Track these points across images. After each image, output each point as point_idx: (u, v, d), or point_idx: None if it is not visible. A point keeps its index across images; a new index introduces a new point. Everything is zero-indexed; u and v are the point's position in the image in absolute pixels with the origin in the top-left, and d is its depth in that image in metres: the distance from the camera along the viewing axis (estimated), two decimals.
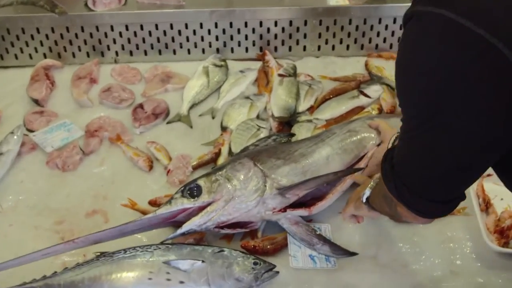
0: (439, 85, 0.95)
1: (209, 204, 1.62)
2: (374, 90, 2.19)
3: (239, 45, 2.43)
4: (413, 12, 1.01)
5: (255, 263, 1.53)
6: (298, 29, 2.39)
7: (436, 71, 0.95)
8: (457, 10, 0.91)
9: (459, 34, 0.91)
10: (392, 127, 1.79)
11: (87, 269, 1.49)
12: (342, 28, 2.39)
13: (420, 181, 1.14)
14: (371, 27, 2.39)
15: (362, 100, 2.16)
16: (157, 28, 2.37)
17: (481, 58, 0.89)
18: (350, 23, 2.38)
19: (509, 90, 0.91)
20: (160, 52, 2.43)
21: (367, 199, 1.48)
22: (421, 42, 0.97)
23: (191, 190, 1.63)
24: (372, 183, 1.46)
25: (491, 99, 0.92)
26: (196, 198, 1.62)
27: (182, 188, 1.65)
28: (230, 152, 1.98)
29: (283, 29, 2.39)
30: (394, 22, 2.37)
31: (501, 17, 0.90)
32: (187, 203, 1.62)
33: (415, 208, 1.19)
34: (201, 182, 1.65)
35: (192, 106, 2.21)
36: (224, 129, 2.08)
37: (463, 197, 1.19)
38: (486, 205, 1.73)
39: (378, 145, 1.80)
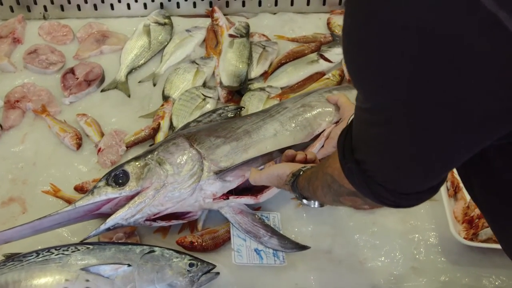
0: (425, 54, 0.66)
1: (137, 194, 1.40)
2: (336, 54, 1.95)
3: None
4: None
5: (191, 265, 1.33)
6: None
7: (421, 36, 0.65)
8: None
9: None
10: (353, 101, 1.57)
11: None
12: None
13: (397, 176, 0.88)
14: None
15: (322, 65, 1.93)
16: None
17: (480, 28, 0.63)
18: None
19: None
20: (95, 7, 2.13)
21: (294, 183, 1.25)
22: None
23: (116, 177, 1.41)
24: (304, 167, 1.25)
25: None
26: (122, 186, 1.40)
27: (106, 175, 1.42)
28: (171, 127, 1.74)
29: None
30: None
31: None
32: (112, 193, 1.40)
33: (395, 205, 0.93)
34: (128, 168, 1.42)
35: (130, 71, 1.95)
36: (165, 98, 1.84)
37: (443, 182, 0.94)
38: (455, 190, 1.54)
39: (337, 122, 1.58)
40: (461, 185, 1.56)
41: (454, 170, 1.58)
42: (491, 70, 0.64)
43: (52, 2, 2.10)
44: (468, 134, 0.74)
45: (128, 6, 2.14)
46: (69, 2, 2.11)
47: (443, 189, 1.52)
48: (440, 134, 0.74)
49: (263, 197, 1.49)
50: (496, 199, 0.96)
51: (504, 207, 0.95)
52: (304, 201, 1.25)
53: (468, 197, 1.53)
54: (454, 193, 1.55)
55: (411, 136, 0.77)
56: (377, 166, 0.88)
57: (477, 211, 1.47)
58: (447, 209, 1.47)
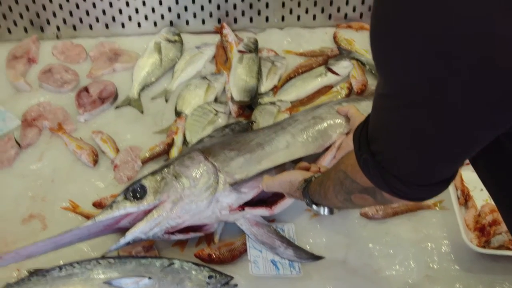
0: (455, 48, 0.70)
1: (155, 207, 1.44)
2: (343, 67, 1.99)
3: (194, 16, 2.20)
4: None
5: (210, 277, 1.36)
6: None
7: (454, 31, 0.69)
8: None
9: None
10: (363, 112, 1.60)
11: None
12: None
13: (413, 165, 0.90)
14: None
15: (330, 78, 1.97)
16: None
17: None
18: None
19: None
20: (107, 26, 2.18)
21: (305, 188, 1.29)
22: None
23: (134, 191, 1.44)
24: (316, 174, 1.30)
25: None
26: (140, 200, 1.43)
27: (124, 190, 1.46)
28: (185, 142, 1.78)
29: None
30: None
31: None
32: (130, 207, 1.43)
33: (408, 197, 0.96)
34: (145, 182, 1.46)
35: (143, 88, 1.99)
36: (178, 114, 1.88)
37: (455, 176, 0.96)
38: (465, 198, 1.58)
39: (347, 133, 1.62)
40: (472, 193, 1.60)
41: (464, 179, 1.62)
42: None
43: (65, 22, 2.15)
44: (493, 117, 0.76)
45: (139, 24, 2.19)
46: (81, 22, 2.16)
47: (453, 198, 1.55)
48: (464, 117, 0.76)
49: (277, 209, 1.53)
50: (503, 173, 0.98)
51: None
52: (314, 206, 1.29)
53: (479, 204, 1.57)
54: (465, 202, 1.58)
55: (433, 118, 0.78)
56: (394, 155, 0.90)
57: (488, 219, 1.50)
58: (458, 217, 1.50)
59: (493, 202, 1.07)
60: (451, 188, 1.56)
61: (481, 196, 1.59)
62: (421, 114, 0.79)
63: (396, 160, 0.90)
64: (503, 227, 1.45)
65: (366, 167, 0.96)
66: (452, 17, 0.68)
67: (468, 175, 1.60)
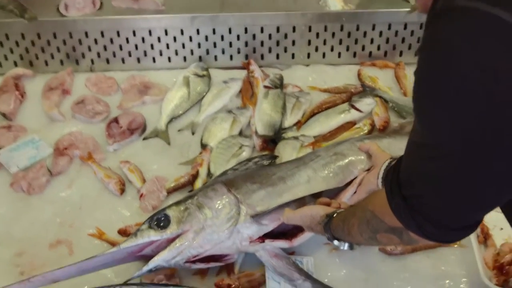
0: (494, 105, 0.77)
1: (178, 236, 1.48)
2: (367, 104, 2.03)
3: (223, 52, 2.28)
4: (451, 7, 0.79)
5: None
6: (286, 35, 2.23)
7: (492, 89, 0.76)
8: None
9: None
10: (384, 150, 1.63)
11: None
12: (333, 34, 2.23)
13: (447, 209, 0.97)
14: (364, 34, 2.22)
15: (354, 115, 2.01)
16: (135, 35, 2.21)
17: None
18: (341, 29, 2.22)
19: None
20: (138, 60, 2.28)
21: (327, 223, 1.33)
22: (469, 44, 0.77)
23: (159, 220, 1.49)
24: (338, 210, 1.33)
25: None
26: (164, 229, 1.48)
27: (149, 218, 1.51)
28: (209, 173, 1.83)
29: (270, 35, 2.23)
30: (389, 28, 2.21)
31: None
32: (154, 235, 1.48)
33: (438, 239, 1.02)
34: (169, 212, 1.51)
35: (170, 120, 2.06)
36: (204, 146, 1.93)
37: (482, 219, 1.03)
38: (485, 237, 1.58)
39: (368, 170, 1.64)
40: (491, 232, 1.60)
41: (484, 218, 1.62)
42: None
43: (98, 56, 2.25)
44: None
45: (169, 59, 2.28)
46: (114, 56, 2.26)
47: (473, 236, 1.55)
48: (499, 170, 0.84)
49: (297, 241, 1.55)
50: None
51: None
52: (335, 242, 1.31)
53: (498, 243, 1.57)
54: (484, 240, 1.58)
55: (466, 169, 0.86)
56: (426, 200, 0.96)
57: (507, 258, 1.50)
58: (477, 255, 1.50)
59: None
60: None
61: (501, 235, 1.59)
62: (455, 165, 0.86)
63: (428, 205, 0.96)
64: None
65: (398, 210, 1.02)
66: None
67: (488, 214, 1.60)
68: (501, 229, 1.60)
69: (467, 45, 0.77)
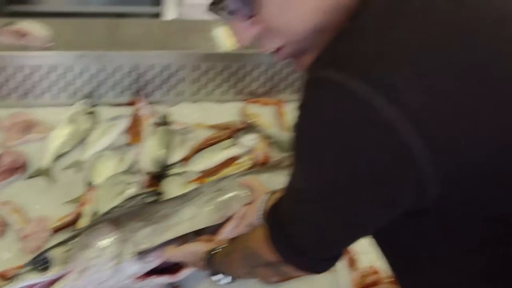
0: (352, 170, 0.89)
1: (61, 277, 1.48)
2: (249, 140, 2.15)
3: (112, 89, 2.31)
4: (320, 78, 0.88)
5: None
6: (175, 73, 2.31)
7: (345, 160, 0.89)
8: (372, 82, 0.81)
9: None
10: (264, 184, 1.74)
11: None
12: (220, 73, 2.34)
13: (323, 245, 1.11)
14: (249, 72, 2.36)
15: (237, 150, 2.11)
16: (21, 71, 2.19)
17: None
18: (228, 68, 2.34)
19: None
20: (23, 96, 2.24)
21: (209, 259, 1.44)
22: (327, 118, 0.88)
23: (41, 262, 1.49)
24: (221, 246, 1.45)
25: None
26: (45, 270, 1.48)
27: (31, 260, 1.50)
28: (95, 212, 1.84)
29: (159, 73, 2.30)
30: (273, 67, 2.37)
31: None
32: (36, 278, 1.47)
33: (314, 270, 1.17)
34: (52, 253, 1.51)
35: (55, 159, 2.05)
36: (89, 185, 1.94)
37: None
38: (351, 261, 1.74)
39: (250, 203, 1.74)
40: (355, 257, 1.76)
41: None
42: None
43: None
44: (387, 213, 0.96)
45: (56, 96, 2.26)
46: None
47: (342, 261, 1.70)
48: (367, 212, 0.96)
49: (181, 275, 1.61)
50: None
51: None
52: (213, 277, 1.41)
53: (363, 266, 1.73)
54: (352, 263, 1.74)
55: (343, 212, 0.97)
56: (302, 237, 1.08)
57: (371, 278, 1.66)
58: (346, 277, 1.65)
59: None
60: None
61: (367, 259, 1.75)
62: (322, 209, 0.99)
63: (305, 241, 1.09)
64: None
65: (277, 245, 1.14)
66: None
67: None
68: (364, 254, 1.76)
69: (330, 112, 0.87)
